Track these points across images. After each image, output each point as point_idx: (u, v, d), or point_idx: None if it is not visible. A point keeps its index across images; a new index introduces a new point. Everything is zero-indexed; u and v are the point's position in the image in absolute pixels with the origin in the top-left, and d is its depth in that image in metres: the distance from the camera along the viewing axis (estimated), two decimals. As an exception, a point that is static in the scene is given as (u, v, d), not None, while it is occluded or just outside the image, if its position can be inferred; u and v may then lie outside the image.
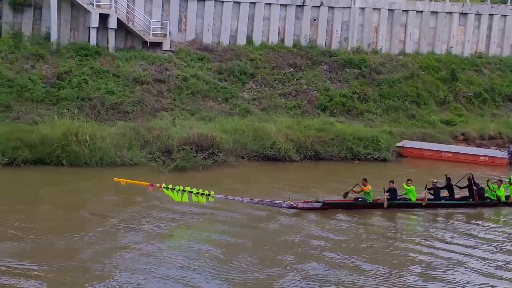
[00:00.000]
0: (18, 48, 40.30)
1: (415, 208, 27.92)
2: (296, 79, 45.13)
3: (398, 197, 27.92)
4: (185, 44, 45.46)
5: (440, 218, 27.13)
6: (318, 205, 26.62)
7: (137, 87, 40.61)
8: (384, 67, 47.94)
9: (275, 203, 26.06)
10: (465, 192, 29.32)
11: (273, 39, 47.52)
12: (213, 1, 45.97)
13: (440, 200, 28.61)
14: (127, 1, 43.53)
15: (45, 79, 38.95)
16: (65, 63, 40.18)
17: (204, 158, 33.98)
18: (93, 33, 42.20)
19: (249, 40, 46.97)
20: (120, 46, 43.78)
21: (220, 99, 41.90)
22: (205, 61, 44.26)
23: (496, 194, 29.20)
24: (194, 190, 24.12)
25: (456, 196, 29.14)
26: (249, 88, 43.73)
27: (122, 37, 43.99)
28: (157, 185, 24.00)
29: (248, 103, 42.15)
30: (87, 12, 42.10)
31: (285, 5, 47.57)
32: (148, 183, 23.97)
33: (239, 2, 46.44)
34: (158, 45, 44.14)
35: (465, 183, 29.32)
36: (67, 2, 42.46)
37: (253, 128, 37.22)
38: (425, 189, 28.39)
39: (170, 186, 24.01)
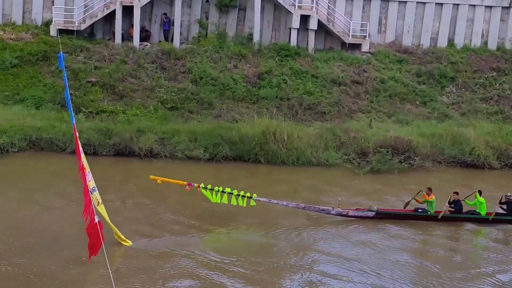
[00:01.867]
0: (222, 48, 41.85)
1: (482, 223, 25.77)
2: (499, 84, 43.30)
3: (467, 210, 26.00)
4: (384, 46, 45.07)
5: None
6: (371, 214, 25.29)
7: (334, 88, 40.81)
8: None
9: (323, 209, 25.12)
10: None
11: (476, 41, 45.90)
12: (415, 3, 45.18)
13: None
14: (328, 2, 43.88)
15: (246, 78, 40.16)
16: (266, 63, 41.21)
17: (400, 161, 33.62)
18: (294, 34, 42.94)
19: (450, 42, 45.70)
20: (319, 47, 44.21)
21: (418, 102, 41.12)
22: (403, 63, 43.63)
23: None
24: (235, 192, 23.45)
25: None
26: (449, 92, 42.56)
27: (321, 38, 44.39)
28: (195, 184, 23.39)
29: (447, 107, 41.03)
30: (288, 13, 42.92)
31: (490, 7, 45.79)
32: (186, 183, 23.31)
33: (441, 4, 45.30)
34: (357, 46, 44.10)
35: None
36: (270, 4, 43.53)
37: (451, 133, 36.24)
38: (499, 203, 26.25)
39: (209, 186, 23.40)
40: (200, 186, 23.36)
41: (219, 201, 23.37)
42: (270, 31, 43.98)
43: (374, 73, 42.19)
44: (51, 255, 19.64)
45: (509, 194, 26.18)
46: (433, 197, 25.41)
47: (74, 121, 20.19)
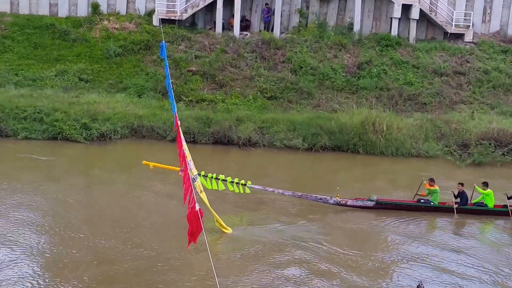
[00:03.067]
0: (322, 37, 41.67)
1: (490, 215, 24.74)
2: None
3: (476, 203, 24.98)
4: (488, 36, 43.82)
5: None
6: (371, 203, 24.52)
7: (435, 78, 40.02)
8: None
9: (321, 198, 24.40)
10: None
11: None
12: (525, -9, 43.82)
13: None
14: (431, -9, 43.07)
15: (346, 68, 39.89)
16: (366, 53, 40.81)
17: (503, 154, 32.76)
18: (395, 24, 42.32)
19: (558, 32, 44.10)
20: (421, 37, 43.42)
21: (522, 94, 39.90)
22: (508, 54, 42.31)
23: None
24: (229, 179, 22.75)
25: None
26: (556, 83, 41.04)
27: (423, 27, 43.59)
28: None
29: (554, 99, 39.61)
30: (390, 2, 42.31)
31: None
32: (178, 168, 21.75)
33: (550, -8, 43.75)
34: (459, 36, 43.05)
35: None
36: (371, -7, 43.15)
37: (558, 125, 35.01)
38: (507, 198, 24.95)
39: (203, 173, 22.45)
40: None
41: (216, 188, 22.69)
42: (371, 21, 43.46)
43: (477, 63, 41.11)
44: (154, 242, 20.04)
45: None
46: (437, 187, 24.70)
47: (175, 110, 20.48)
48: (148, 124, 33.50)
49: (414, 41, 42.44)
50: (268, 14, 42.34)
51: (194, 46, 40.05)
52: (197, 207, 16.19)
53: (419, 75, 40.12)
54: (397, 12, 41.83)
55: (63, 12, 41.85)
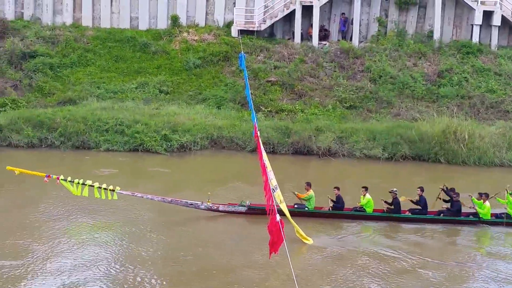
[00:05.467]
0: (402, 46, 41.20)
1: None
2: None
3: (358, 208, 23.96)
4: None
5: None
6: (243, 209, 23.64)
7: (519, 85, 39.15)
8: None
9: (191, 204, 23.39)
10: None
11: None
12: None
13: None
14: (512, -4, 42.04)
15: (426, 76, 39.33)
16: (446, 60, 40.14)
17: None
18: (476, 31, 41.51)
19: None
20: (503, 44, 42.47)
21: None
22: None
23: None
24: (96, 185, 21.51)
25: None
26: None
27: (505, 34, 42.62)
28: (54, 176, 21.49)
29: None
30: (471, 9, 41.51)
31: None
32: (44, 174, 21.48)
33: None
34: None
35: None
36: (451, 0, 42.31)
37: None
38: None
39: (69, 178, 21.48)
40: (60, 178, 21.74)
41: (79, 194, 21.72)
42: (451, 28, 42.73)
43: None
44: (236, 251, 20.10)
45: (395, 189, 24.33)
46: (310, 193, 23.70)
47: (255, 120, 20.53)
48: (228, 135, 33.71)
49: (496, 48, 41.58)
50: (345, 23, 42.12)
51: (273, 56, 40.16)
52: (278, 218, 16.21)
53: (502, 82, 39.26)
54: (478, 19, 41.03)
55: (143, 25, 42.60)
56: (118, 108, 35.40)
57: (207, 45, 40.67)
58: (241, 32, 40.67)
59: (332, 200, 23.92)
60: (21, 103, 36.01)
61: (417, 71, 39.63)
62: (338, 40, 42.17)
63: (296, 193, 23.97)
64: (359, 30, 41.92)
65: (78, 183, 21.36)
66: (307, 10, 41.19)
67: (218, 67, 39.73)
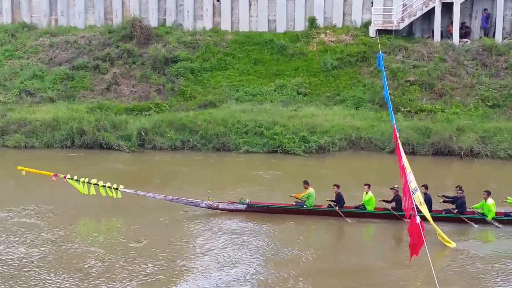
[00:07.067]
0: None
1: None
2: None
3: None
4: None
5: None
6: (243, 207, 23.65)
7: None
8: None
9: (192, 202, 23.59)
10: None
11: None
12: None
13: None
14: None
15: None
16: None
17: None
18: None
19: None
20: None
21: None
22: None
23: None
24: (101, 183, 21.89)
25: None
26: None
27: None
28: (61, 175, 22.12)
29: None
30: None
31: None
32: (52, 173, 22.10)
33: None
34: None
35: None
36: None
37: None
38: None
39: (75, 177, 22.09)
40: (67, 177, 22.47)
41: (87, 192, 22.37)
42: None
43: None
44: (372, 254, 19.94)
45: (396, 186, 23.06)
46: (309, 191, 23.48)
47: (394, 121, 20.26)
48: (366, 136, 33.44)
49: None
50: (487, 20, 40.69)
51: (412, 55, 39.41)
52: (418, 220, 15.90)
53: None
54: None
55: (281, 27, 42.91)
56: (257, 110, 35.92)
57: (344, 46, 40.47)
58: (379, 31, 40.16)
59: (332, 200, 23.61)
60: (164, 107, 37.22)
61: None
62: (480, 37, 40.77)
63: (293, 195, 23.81)
64: (503, 26, 40.34)
65: (84, 182, 22.31)
66: (447, 7, 40.08)
67: (356, 68, 39.44)
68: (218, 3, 43.37)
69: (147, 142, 34.11)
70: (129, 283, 17.43)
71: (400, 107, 35.52)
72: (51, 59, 41.61)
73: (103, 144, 34.05)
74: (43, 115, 35.79)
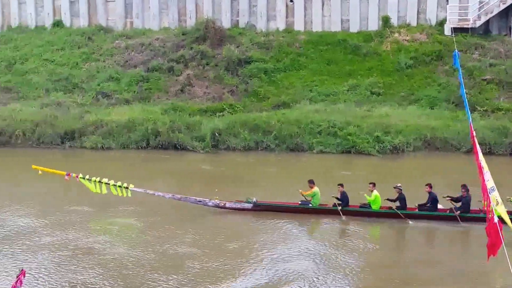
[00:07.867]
0: None
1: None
2: None
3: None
4: None
5: None
6: (249, 206, 23.83)
7: None
8: None
9: (200, 201, 23.84)
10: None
11: None
12: None
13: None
14: None
15: None
16: None
17: None
18: None
19: None
20: None
21: None
22: None
23: None
24: (111, 182, 22.18)
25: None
26: None
27: None
28: (73, 175, 22.27)
29: None
30: None
31: None
32: (64, 173, 22.21)
33: None
34: None
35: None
36: None
37: None
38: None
39: (87, 176, 22.21)
40: (79, 176, 22.39)
41: (99, 191, 22.36)
42: None
43: None
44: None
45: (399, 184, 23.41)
46: (314, 190, 23.60)
47: (471, 120, 19.93)
48: (442, 135, 33.00)
49: None
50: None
51: (488, 53, 38.70)
52: (496, 219, 15.61)
53: None
54: None
55: (354, 27, 42.68)
56: (330, 110, 35.85)
57: (419, 45, 40.01)
58: (455, 30, 39.53)
59: (336, 198, 23.56)
60: (237, 107, 37.49)
61: None
62: None
63: (300, 190, 23.88)
64: None
65: (95, 181, 22.40)
66: (525, 4, 39.27)
67: (430, 67, 38.97)
68: (291, 3, 43.41)
69: (220, 143, 34.43)
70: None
71: (476, 106, 34.89)
72: (127, 61, 42.32)
73: (177, 145, 34.50)
74: (119, 116, 36.34)
